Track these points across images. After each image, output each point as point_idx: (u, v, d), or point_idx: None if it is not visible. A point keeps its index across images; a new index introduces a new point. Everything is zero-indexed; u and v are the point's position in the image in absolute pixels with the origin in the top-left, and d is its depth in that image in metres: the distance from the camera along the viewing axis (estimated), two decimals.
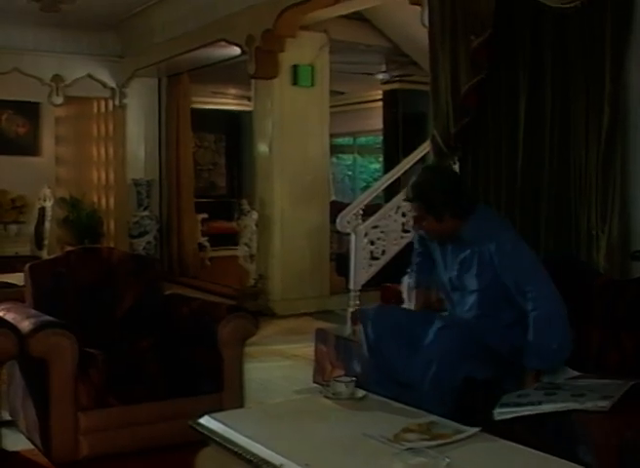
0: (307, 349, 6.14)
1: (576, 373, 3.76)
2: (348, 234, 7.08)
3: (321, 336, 5.79)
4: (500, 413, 3.36)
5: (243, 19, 8.73)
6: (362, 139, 16.62)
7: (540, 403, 3.34)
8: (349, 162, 17.13)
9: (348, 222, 6.96)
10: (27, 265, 4.74)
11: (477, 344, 3.86)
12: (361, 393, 3.48)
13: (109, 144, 12.72)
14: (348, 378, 3.53)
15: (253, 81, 9.21)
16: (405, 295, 5.87)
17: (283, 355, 6.86)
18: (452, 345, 3.77)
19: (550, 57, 4.86)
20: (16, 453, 4.26)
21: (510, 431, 3.17)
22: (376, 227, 6.96)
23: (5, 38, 10.81)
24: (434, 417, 3.21)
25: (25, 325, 4.01)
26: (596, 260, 4.54)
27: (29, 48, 11.24)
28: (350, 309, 6.85)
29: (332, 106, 9.87)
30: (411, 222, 4.24)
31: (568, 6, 4.53)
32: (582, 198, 4.67)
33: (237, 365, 4.54)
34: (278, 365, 6.54)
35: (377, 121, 13.52)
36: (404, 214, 7.12)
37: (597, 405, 3.23)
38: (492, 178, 5.31)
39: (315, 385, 5.57)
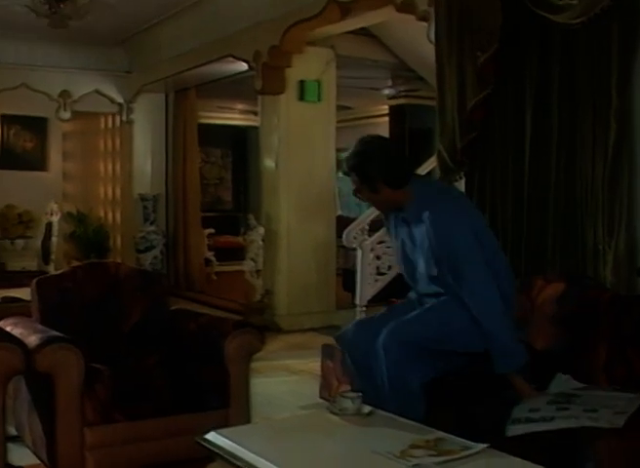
0: (313, 364, 6.12)
1: (580, 385, 3.74)
2: (354, 249, 7.10)
3: (327, 352, 5.77)
4: (512, 429, 3.33)
5: (250, 35, 8.76)
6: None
7: (552, 419, 3.29)
8: None
9: (355, 238, 6.97)
10: (34, 280, 4.73)
11: (431, 340, 3.81)
12: (367, 409, 3.47)
13: (116, 159, 12.75)
14: (355, 394, 3.52)
15: (259, 96, 9.23)
16: None
17: (289, 370, 6.85)
18: (398, 355, 3.75)
19: (557, 72, 4.87)
20: None
21: (520, 447, 3.15)
22: (382, 242, 6.97)
23: (13, 54, 10.86)
24: (441, 434, 3.19)
25: (32, 340, 4.00)
26: (603, 275, 4.53)
27: (37, 63, 11.29)
28: None
29: (338, 121, 9.88)
30: None
31: (575, 21, 4.54)
32: (589, 213, 4.66)
33: (243, 380, 4.52)
34: (284, 380, 6.52)
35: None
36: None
37: (611, 421, 3.18)
38: (498, 193, 5.31)
39: (321, 401, 5.55)
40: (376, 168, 3.91)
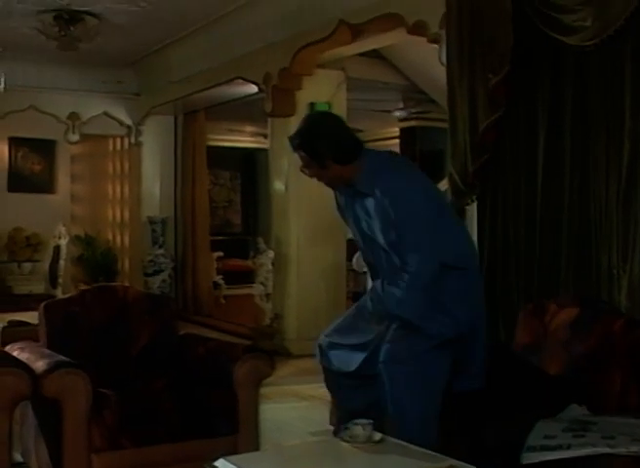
0: (324, 390, 6.06)
1: (587, 413, 3.72)
2: (364, 273, 7.07)
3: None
4: (527, 457, 3.30)
5: (260, 57, 8.79)
6: None
7: (569, 446, 3.24)
8: None
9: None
10: (42, 304, 4.73)
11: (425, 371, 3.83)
12: (378, 436, 3.45)
13: (125, 182, 12.77)
14: (366, 421, 3.50)
15: (269, 119, 9.25)
16: None
17: (299, 396, 6.82)
18: (401, 390, 3.82)
19: (569, 93, 4.88)
20: None
21: None
22: None
23: (22, 76, 10.91)
24: (454, 461, 3.17)
25: (39, 365, 4.00)
26: (617, 300, 4.52)
27: (46, 85, 11.35)
28: None
29: None
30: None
31: (587, 43, 4.55)
32: (603, 236, 4.65)
33: (253, 406, 4.51)
34: (294, 406, 6.50)
35: None
36: None
37: (629, 449, 3.15)
38: (510, 216, 5.30)
39: (332, 427, 5.52)
40: (325, 145, 3.93)
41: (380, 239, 3.92)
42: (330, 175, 4.01)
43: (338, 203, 4.24)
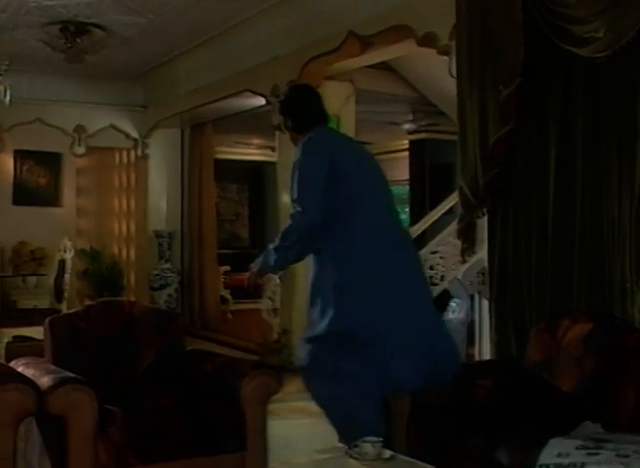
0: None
1: (600, 430, 3.70)
2: None
3: None
4: None
5: (268, 69, 8.81)
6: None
7: (582, 465, 3.21)
8: None
9: None
10: (47, 319, 4.74)
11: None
12: (388, 454, 3.44)
13: (131, 195, 12.80)
14: (375, 438, 3.49)
15: (277, 132, 9.26)
16: None
17: (307, 412, 6.78)
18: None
19: (581, 106, 4.87)
20: None
21: None
22: None
23: (28, 88, 10.95)
24: None
25: (44, 381, 4.00)
26: (631, 315, 4.50)
27: (52, 98, 11.40)
28: None
29: None
30: None
31: (600, 55, 4.55)
32: (616, 251, 4.64)
33: (260, 423, 4.50)
34: (302, 422, 6.47)
35: (403, 171, 13.55)
36: (431, 267, 7.11)
37: None
38: (522, 230, 5.29)
39: (341, 445, 5.50)
40: (289, 113, 4.83)
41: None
42: (291, 139, 4.86)
43: None
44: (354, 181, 4.53)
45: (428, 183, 12.49)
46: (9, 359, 4.62)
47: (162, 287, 11.87)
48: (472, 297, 6.06)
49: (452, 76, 5.86)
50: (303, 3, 8.07)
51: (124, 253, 13.04)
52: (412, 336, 4.33)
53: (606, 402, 3.89)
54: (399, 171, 14.09)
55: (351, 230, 4.48)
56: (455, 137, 5.74)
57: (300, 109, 4.84)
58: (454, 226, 6.57)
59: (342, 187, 4.48)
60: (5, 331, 7.36)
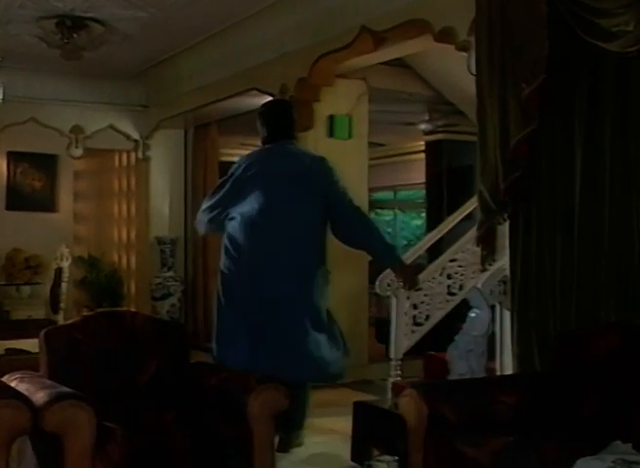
0: (344, 424, 6.07)
1: (632, 451, 3.68)
2: (389, 297, 7.06)
3: (359, 410, 5.72)
4: None
5: (276, 67, 8.81)
6: (403, 194, 16.66)
7: None
8: (389, 218, 17.14)
9: (389, 285, 6.95)
10: (42, 331, 4.74)
11: None
12: None
13: (131, 200, 12.81)
14: (390, 458, 3.48)
15: None
16: (451, 365, 5.82)
17: (318, 430, 6.78)
18: None
19: (609, 104, 4.84)
20: None
21: None
22: (419, 290, 6.93)
23: (22, 86, 10.97)
24: None
25: (39, 396, 3.99)
26: None
27: (48, 97, 11.40)
28: (391, 380, 6.79)
29: (371, 159, 9.89)
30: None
31: (629, 49, 4.53)
32: None
33: (268, 441, 4.50)
34: (313, 441, 6.46)
35: (419, 174, 13.54)
36: (449, 276, 7.09)
37: None
38: (545, 237, 5.27)
39: (354, 464, 5.50)
40: (259, 126, 6.15)
41: None
42: None
43: None
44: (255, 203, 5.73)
45: (446, 187, 12.46)
46: (1, 373, 4.61)
47: (164, 296, 11.87)
48: (493, 308, 6.03)
49: (471, 73, 5.85)
50: None
51: (124, 260, 13.05)
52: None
53: (635, 422, 3.87)
54: (414, 174, 14.09)
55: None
56: (474, 138, 5.71)
57: (264, 125, 6.12)
58: (473, 233, 6.55)
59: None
60: None
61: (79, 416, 3.94)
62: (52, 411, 3.91)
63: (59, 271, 10.03)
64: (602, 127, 4.87)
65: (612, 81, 4.82)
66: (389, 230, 17.12)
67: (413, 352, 7.12)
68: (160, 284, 11.90)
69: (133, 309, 10.19)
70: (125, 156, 12.90)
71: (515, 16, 5.16)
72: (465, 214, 7.72)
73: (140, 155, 12.35)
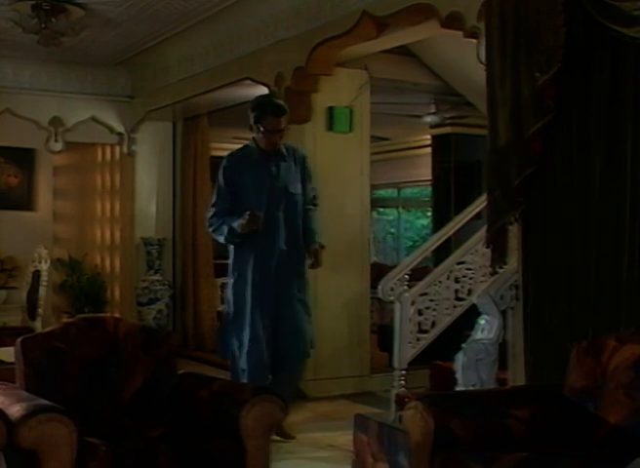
0: (345, 438, 6.08)
1: None
2: (392, 302, 7.06)
3: (360, 423, 5.71)
4: None
5: (271, 55, 8.81)
6: (408, 192, 16.68)
7: None
8: (393, 217, 17.15)
9: (392, 289, 6.96)
10: (18, 339, 4.72)
11: None
12: None
13: (116, 198, 12.81)
14: None
15: None
16: (459, 375, 5.82)
17: (316, 445, 6.79)
18: None
19: (630, 94, 4.84)
20: None
21: None
22: (424, 295, 6.95)
23: None
24: None
25: (15, 410, 3.98)
26: None
27: (24, 86, 11.39)
28: (395, 391, 6.78)
29: (373, 154, 9.89)
30: None
31: None
32: None
33: (263, 457, 4.49)
34: (311, 456, 6.47)
35: (425, 170, 13.56)
36: (457, 280, 7.09)
37: None
38: (561, 238, 5.27)
39: None
40: None
41: (298, 190, 6.95)
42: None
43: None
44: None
45: (453, 184, 12.48)
46: None
47: (151, 301, 11.86)
48: (504, 314, 6.03)
49: (480, 62, 5.84)
50: None
51: (107, 263, 13.05)
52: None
53: None
54: (420, 170, 14.09)
55: None
56: (484, 132, 5.72)
57: None
58: (482, 233, 6.55)
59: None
60: None
61: (58, 431, 3.93)
62: (28, 426, 3.90)
63: (36, 274, 10.00)
64: (622, 119, 4.86)
65: (632, 70, 4.82)
66: (392, 230, 17.12)
67: (418, 361, 7.12)
68: (146, 288, 11.88)
69: (117, 315, 10.20)
70: (108, 150, 12.90)
71: (529, 1, 5.16)
72: (474, 213, 7.71)
73: (124, 149, 12.33)
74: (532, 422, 4.11)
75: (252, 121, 6.68)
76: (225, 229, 6.70)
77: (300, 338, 6.84)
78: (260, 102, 6.84)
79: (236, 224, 6.57)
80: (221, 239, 6.84)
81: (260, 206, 6.61)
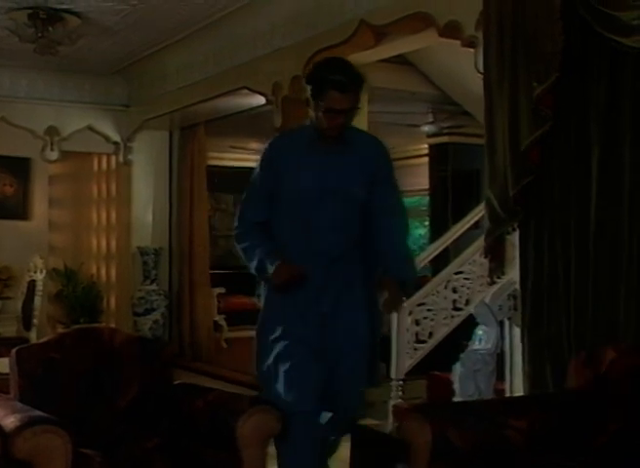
0: (342, 450, 6.05)
1: None
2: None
3: (358, 435, 5.71)
4: None
5: (268, 64, 8.82)
6: (405, 201, 16.63)
7: None
8: None
9: None
10: (13, 350, 4.72)
11: None
12: None
13: (112, 207, 12.80)
14: None
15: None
16: (456, 386, 5.82)
17: None
18: None
19: (629, 104, 4.84)
20: None
21: None
22: (421, 305, 6.94)
23: None
24: None
25: (10, 421, 3.97)
26: None
27: (20, 95, 11.40)
28: (392, 402, 6.78)
29: None
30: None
31: None
32: None
33: None
34: None
35: (422, 180, 13.57)
36: (455, 290, 7.09)
37: None
38: (559, 248, 5.27)
39: None
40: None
41: (358, 195, 4.82)
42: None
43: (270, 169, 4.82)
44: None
45: (451, 193, 12.49)
46: None
47: (147, 311, 11.85)
48: (502, 324, 6.03)
49: (478, 71, 5.86)
50: None
51: (103, 272, 13.03)
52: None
53: None
54: (418, 179, 14.09)
55: None
56: (481, 141, 5.73)
57: None
58: (480, 243, 6.55)
59: None
60: None
61: (53, 443, 3.92)
62: (23, 437, 3.89)
63: (32, 284, 10.00)
64: (620, 129, 4.87)
65: (630, 79, 4.82)
66: None
67: (415, 372, 7.11)
68: (142, 298, 11.88)
69: (112, 326, 10.21)
70: (105, 160, 12.89)
71: (527, 9, 5.18)
72: (472, 222, 7.72)
73: (121, 159, 12.34)
74: (530, 432, 4.11)
75: (308, 94, 4.72)
76: (255, 261, 4.77)
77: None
78: (318, 71, 4.77)
79: (268, 264, 4.66)
80: (251, 269, 4.85)
81: (296, 219, 4.74)
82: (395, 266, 4.68)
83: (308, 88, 4.67)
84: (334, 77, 4.56)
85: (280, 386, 4.59)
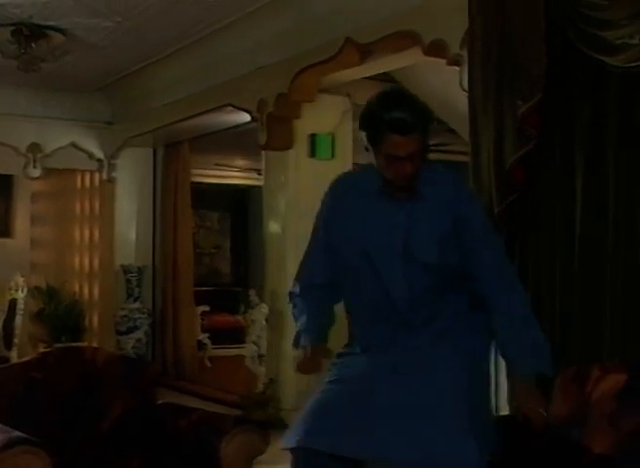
0: None
1: None
2: None
3: None
4: None
5: (253, 81, 8.83)
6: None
7: None
8: None
9: None
10: None
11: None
12: None
13: (95, 225, 12.77)
14: None
15: (263, 152, 9.26)
16: None
17: None
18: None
19: (613, 123, 4.87)
20: None
21: None
22: None
23: None
24: None
25: None
26: None
27: (2, 111, 11.35)
28: None
29: None
30: None
31: (634, 64, 4.56)
32: None
33: None
34: None
35: None
36: None
37: None
38: (544, 266, 5.28)
39: None
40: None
41: (431, 257, 3.78)
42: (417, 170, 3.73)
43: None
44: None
45: None
46: None
47: (130, 330, 11.80)
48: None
49: (463, 90, 5.87)
50: (294, 5, 8.08)
51: (86, 291, 13.00)
52: None
53: None
54: None
55: None
56: (466, 159, 5.74)
57: None
58: None
59: None
60: None
61: (34, 464, 3.91)
62: (2, 459, 3.87)
63: (13, 303, 9.98)
64: (605, 148, 4.89)
65: (615, 99, 4.85)
66: None
67: None
68: (125, 316, 11.83)
69: (95, 345, 10.19)
70: (88, 177, 12.87)
71: (511, 29, 5.20)
72: None
73: (104, 176, 12.31)
74: (514, 452, 4.11)
75: (364, 142, 3.90)
76: (296, 327, 4.10)
77: None
78: (372, 111, 3.84)
79: (301, 341, 4.05)
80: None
81: (354, 293, 4.06)
82: (521, 360, 3.88)
83: (362, 135, 3.88)
84: (391, 116, 3.65)
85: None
